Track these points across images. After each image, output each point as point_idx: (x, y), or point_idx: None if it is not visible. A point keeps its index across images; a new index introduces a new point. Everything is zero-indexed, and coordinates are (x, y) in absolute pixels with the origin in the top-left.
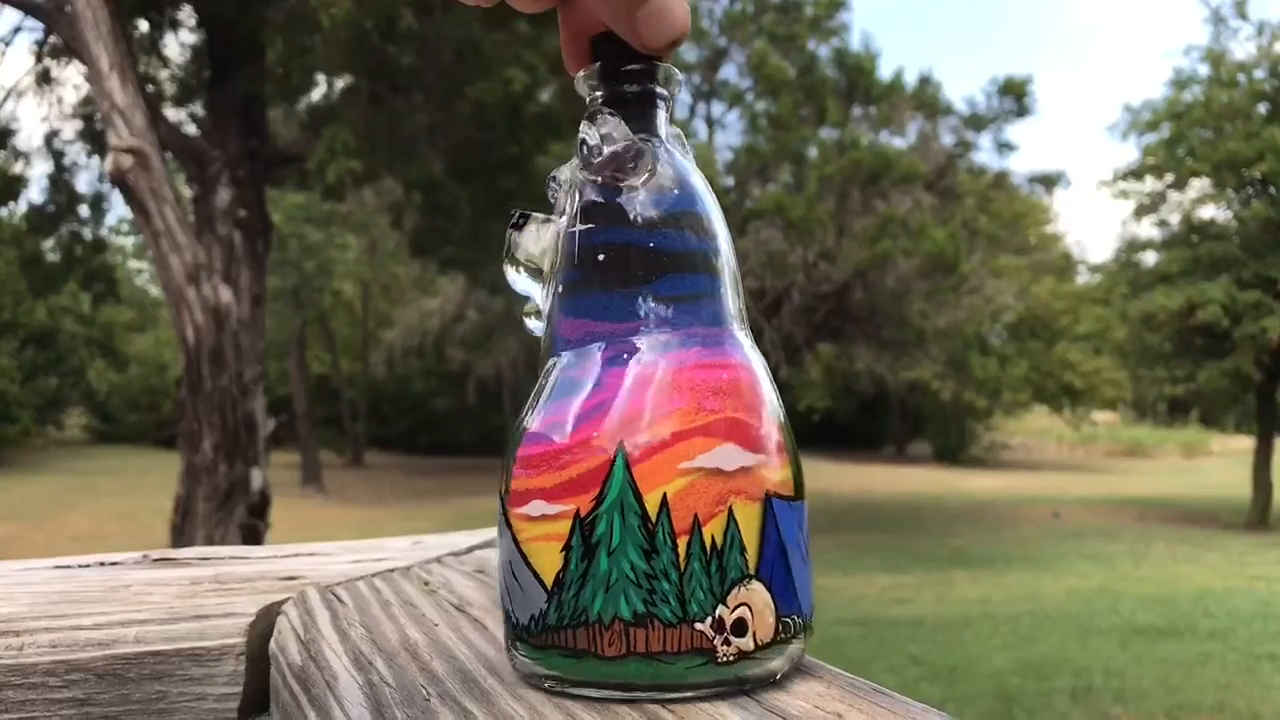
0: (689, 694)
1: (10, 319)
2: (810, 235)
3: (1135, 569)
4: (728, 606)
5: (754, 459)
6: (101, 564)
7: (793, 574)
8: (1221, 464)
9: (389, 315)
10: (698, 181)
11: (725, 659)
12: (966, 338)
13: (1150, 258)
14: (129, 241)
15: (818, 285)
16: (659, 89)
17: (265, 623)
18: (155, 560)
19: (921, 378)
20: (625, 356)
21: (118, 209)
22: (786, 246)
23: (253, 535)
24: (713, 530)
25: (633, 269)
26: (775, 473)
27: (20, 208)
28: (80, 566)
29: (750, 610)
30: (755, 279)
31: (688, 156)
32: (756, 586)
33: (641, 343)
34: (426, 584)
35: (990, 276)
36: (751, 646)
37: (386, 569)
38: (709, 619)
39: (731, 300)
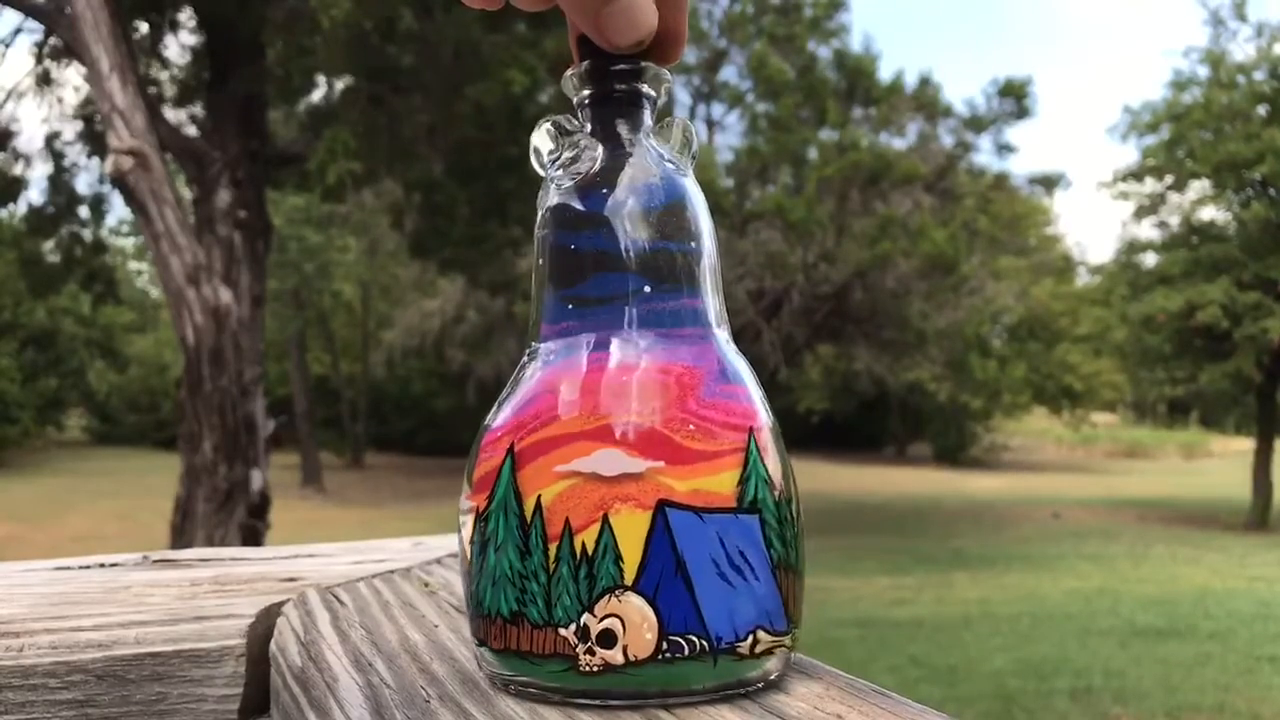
0: (555, 697)
1: (10, 320)
2: (810, 236)
3: (1135, 570)
4: (594, 615)
5: (645, 465)
6: (101, 565)
7: (696, 591)
8: (1221, 465)
9: (389, 316)
10: (652, 179)
11: (588, 668)
12: (966, 339)
13: (1150, 259)
14: (129, 242)
15: (817, 286)
16: (645, 88)
17: (265, 624)
18: (155, 561)
19: (921, 379)
20: (552, 358)
21: (118, 210)
22: (786, 247)
23: (253, 536)
24: (585, 537)
25: (563, 270)
26: (684, 481)
27: (20, 209)
28: (80, 568)
29: (622, 622)
30: (755, 280)
31: (681, 156)
32: (632, 599)
33: (559, 345)
34: (427, 585)
35: (990, 278)
36: (620, 660)
37: (387, 570)
38: (573, 625)
39: (699, 300)
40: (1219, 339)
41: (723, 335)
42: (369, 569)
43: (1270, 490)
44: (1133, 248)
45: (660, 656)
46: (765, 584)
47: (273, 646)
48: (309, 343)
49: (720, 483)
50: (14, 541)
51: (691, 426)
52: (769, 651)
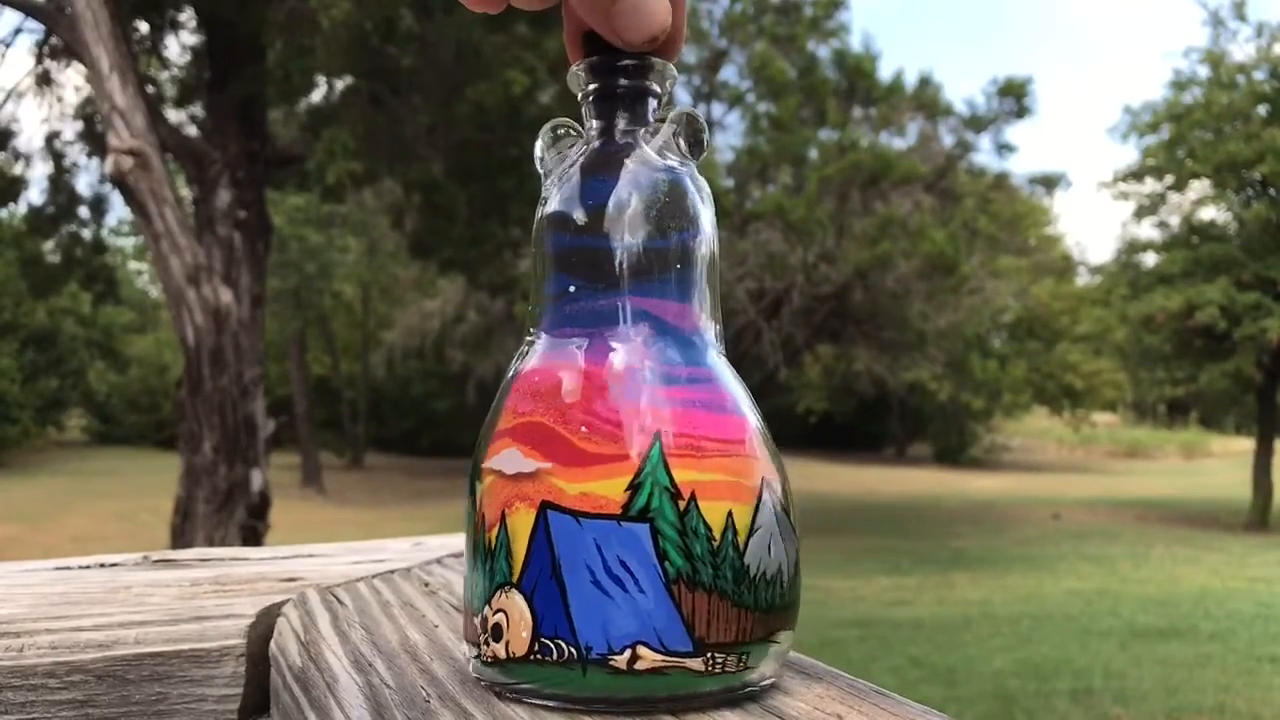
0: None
1: (10, 320)
2: (810, 236)
3: (1135, 570)
4: (490, 608)
5: (535, 465)
6: (102, 565)
7: (569, 596)
8: (1221, 465)
9: (389, 316)
10: (630, 180)
11: (484, 658)
12: (966, 339)
13: (1150, 259)
14: (129, 243)
15: (817, 286)
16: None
17: (265, 624)
18: (155, 561)
19: (921, 379)
20: (516, 359)
21: (118, 210)
22: (786, 248)
23: (252, 536)
24: (492, 534)
25: (542, 269)
26: (574, 484)
27: (21, 209)
28: (80, 568)
29: (506, 618)
30: (755, 280)
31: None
32: (515, 597)
33: (531, 345)
34: (427, 585)
35: (990, 278)
36: (504, 655)
37: (386, 570)
38: (478, 616)
39: (667, 299)
40: (1219, 339)
41: (704, 337)
42: (369, 569)
43: (1270, 490)
44: (1133, 248)
45: (532, 657)
46: (654, 598)
47: (273, 647)
48: (309, 343)
49: (611, 488)
50: (14, 542)
51: (584, 429)
52: (658, 670)
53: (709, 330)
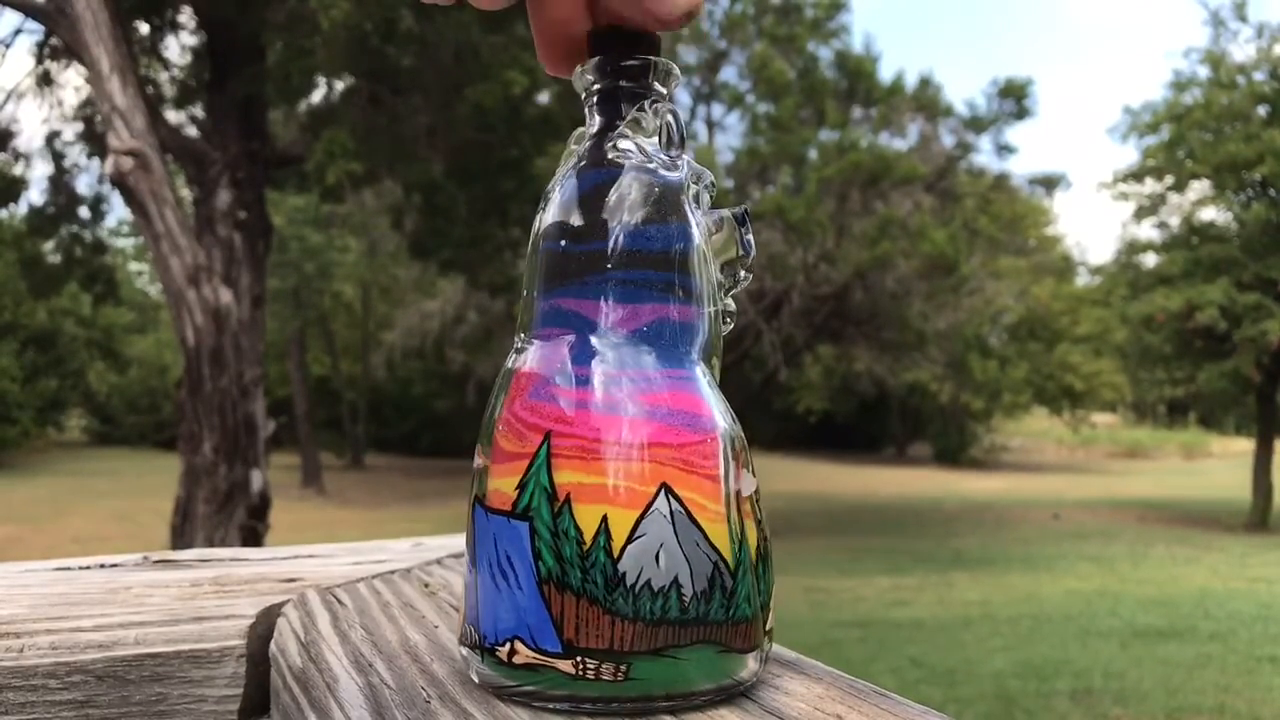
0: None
1: (11, 320)
2: (810, 237)
3: (1135, 570)
4: None
5: (481, 463)
6: (102, 566)
7: (477, 587)
8: (1221, 465)
9: (389, 317)
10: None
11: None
12: (966, 339)
13: (1150, 259)
14: (129, 243)
15: (817, 287)
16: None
17: (265, 624)
18: (155, 562)
19: (921, 379)
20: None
21: (118, 211)
22: (786, 248)
23: (252, 537)
24: None
25: (533, 269)
26: (494, 480)
27: (21, 209)
28: (80, 568)
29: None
30: (755, 280)
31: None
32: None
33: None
34: (427, 586)
35: (990, 278)
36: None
37: (387, 571)
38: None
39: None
40: (1219, 339)
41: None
42: (369, 570)
43: (1270, 491)
44: (1133, 248)
45: (462, 640)
46: (529, 596)
47: (273, 647)
48: (309, 343)
49: (509, 485)
50: (14, 542)
51: (502, 427)
52: (532, 667)
53: (667, 333)
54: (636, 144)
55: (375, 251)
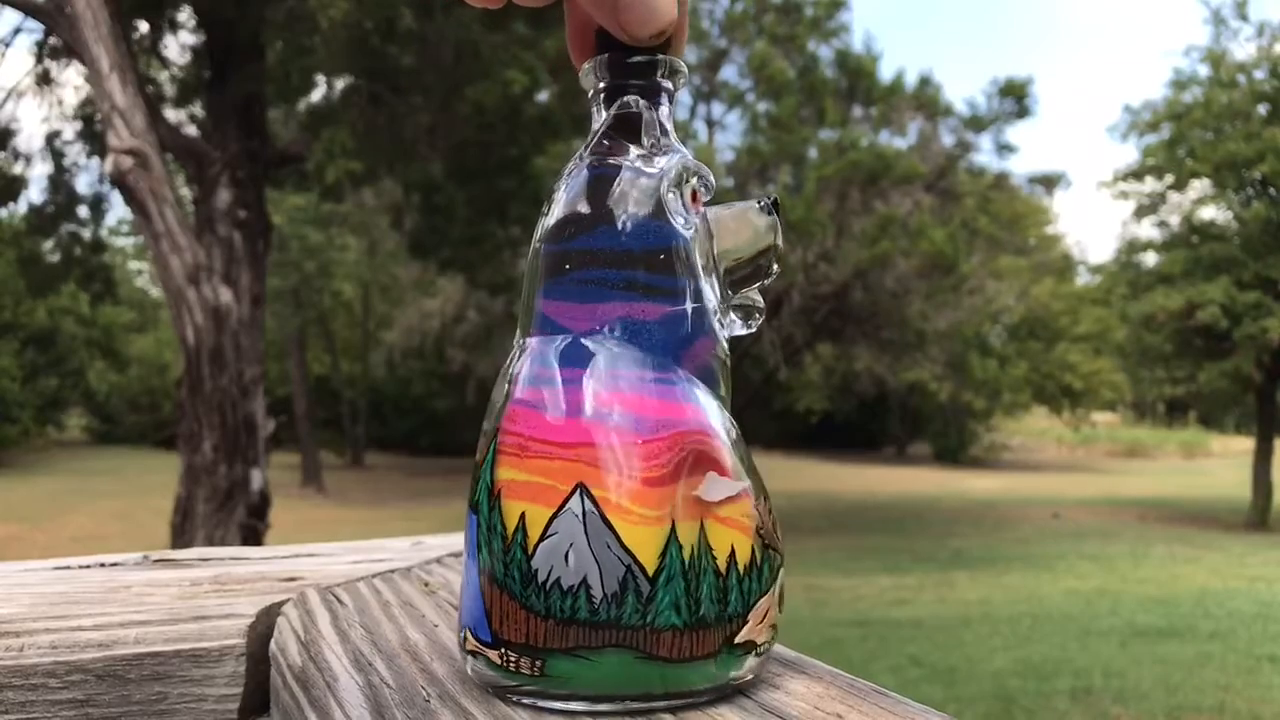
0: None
1: (11, 320)
2: (810, 236)
3: (1135, 569)
4: None
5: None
6: (102, 565)
7: (464, 577)
8: (1221, 464)
9: (389, 316)
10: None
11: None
12: (966, 338)
13: (1150, 258)
14: (129, 242)
15: (817, 286)
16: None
17: (265, 624)
18: (155, 561)
19: (921, 378)
20: None
21: (117, 210)
22: (786, 247)
23: (252, 536)
24: None
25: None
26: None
27: (20, 208)
28: (80, 567)
29: None
30: None
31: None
32: None
33: None
34: (427, 585)
35: (990, 277)
36: None
37: (386, 570)
38: None
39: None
40: (1219, 338)
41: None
42: (369, 569)
43: (1270, 490)
44: (1133, 247)
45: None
46: (473, 586)
47: (273, 646)
48: (309, 342)
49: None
50: (14, 541)
51: (485, 423)
52: (476, 654)
53: (628, 332)
54: (613, 142)
55: (375, 251)
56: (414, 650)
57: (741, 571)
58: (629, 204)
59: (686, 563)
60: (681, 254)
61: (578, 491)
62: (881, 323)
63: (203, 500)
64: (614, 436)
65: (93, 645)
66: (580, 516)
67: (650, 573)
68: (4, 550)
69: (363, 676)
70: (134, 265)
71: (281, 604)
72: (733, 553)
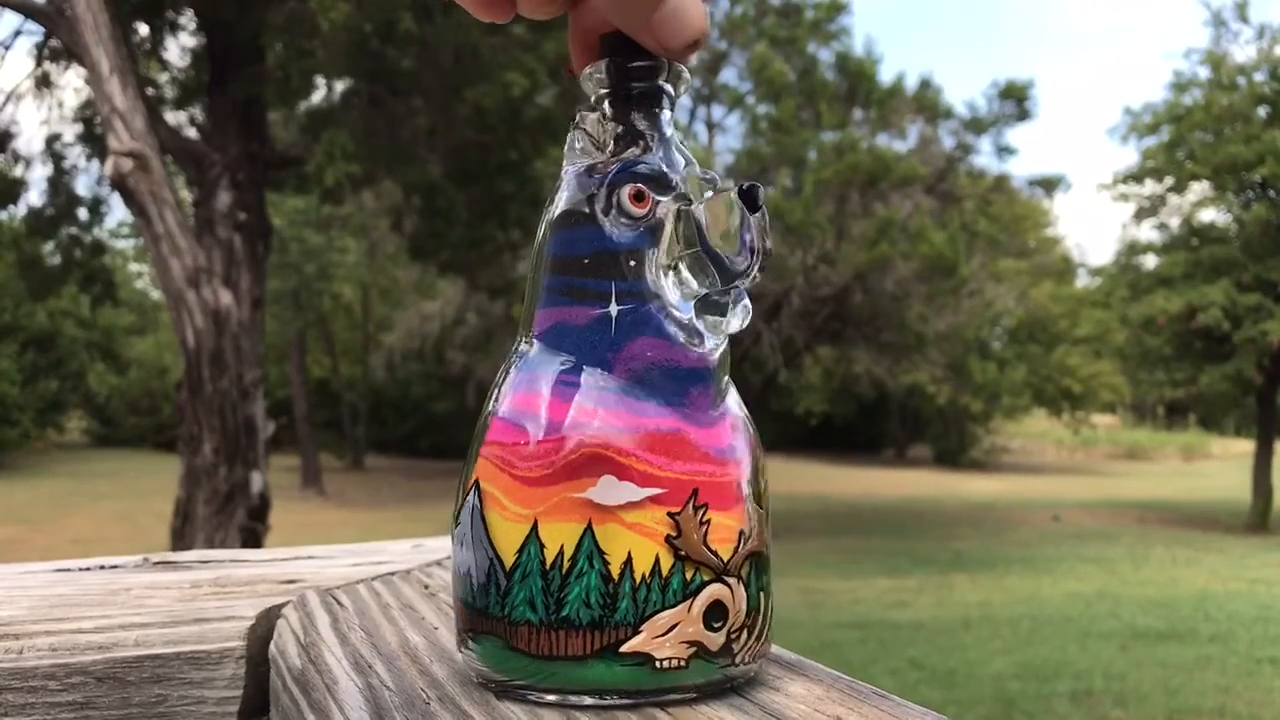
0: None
1: (10, 322)
2: (809, 239)
3: (1135, 572)
4: None
5: None
6: (101, 567)
7: None
8: (1221, 467)
9: (389, 318)
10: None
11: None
12: (966, 341)
13: (1150, 261)
14: (129, 245)
15: (817, 289)
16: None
17: (265, 626)
18: (155, 563)
19: (921, 381)
20: None
21: (117, 212)
22: (786, 250)
23: (252, 538)
24: None
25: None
26: None
27: (20, 211)
28: (80, 569)
29: None
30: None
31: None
32: None
33: None
34: (426, 587)
35: (990, 280)
36: None
37: (386, 572)
38: None
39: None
40: (1219, 341)
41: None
42: (369, 571)
43: (1270, 492)
44: (1133, 250)
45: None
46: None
47: (272, 649)
48: (309, 345)
49: None
50: (14, 543)
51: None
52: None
53: (558, 336)
54: (576, 145)
55: (375, 253)
56: (414, 653)
57: (637, 580)
58: (560, 210)
59: (550, 562)
60: (610, 257)
61: (475, 487)
62: (881, 325)
63: (203, 502)
64: (508, 436)
65: (93, 648)
66: (471, 511)
67: (507, 568)
68: (4, 552)
69: (362, 679)
70: (134, 268)
71: (281, 606)
72: (629, 559)
